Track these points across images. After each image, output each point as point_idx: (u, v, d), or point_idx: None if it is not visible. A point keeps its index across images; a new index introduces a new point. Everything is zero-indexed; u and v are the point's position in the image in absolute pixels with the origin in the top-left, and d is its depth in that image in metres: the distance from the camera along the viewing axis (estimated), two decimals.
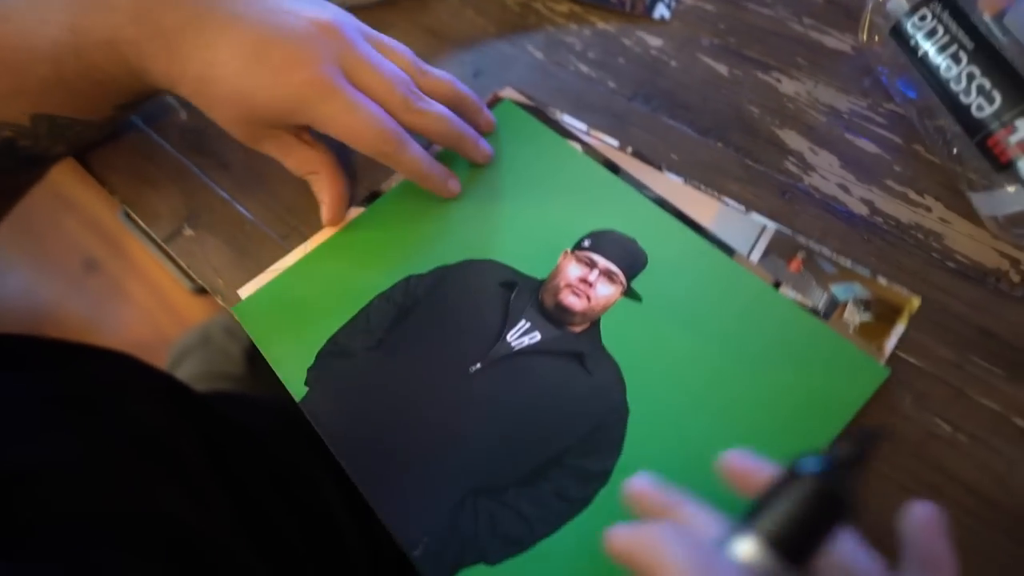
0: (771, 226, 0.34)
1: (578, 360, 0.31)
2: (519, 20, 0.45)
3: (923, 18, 0.33)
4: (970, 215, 0.34)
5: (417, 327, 0.33)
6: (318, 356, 0.33)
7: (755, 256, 0.34)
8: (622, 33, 0.43)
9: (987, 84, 0.30)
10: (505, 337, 0.32)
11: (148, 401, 0.41)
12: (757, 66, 0.41)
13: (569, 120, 0.40)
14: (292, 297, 0.35)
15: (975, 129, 0.31)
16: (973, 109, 0.31)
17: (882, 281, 0.32)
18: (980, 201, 0.33)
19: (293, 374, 0.32)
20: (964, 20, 0.32)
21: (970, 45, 0.31)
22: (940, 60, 0.32)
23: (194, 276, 0.37)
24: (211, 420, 0.44)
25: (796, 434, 0.28)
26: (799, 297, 0.32)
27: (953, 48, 0.32)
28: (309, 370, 0.32)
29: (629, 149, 0.38)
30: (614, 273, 0.33)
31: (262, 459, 0.45)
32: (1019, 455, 0.27)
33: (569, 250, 0.35)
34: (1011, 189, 0.30)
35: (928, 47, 0.33)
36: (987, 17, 0.31)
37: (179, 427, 0.41)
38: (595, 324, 0.32)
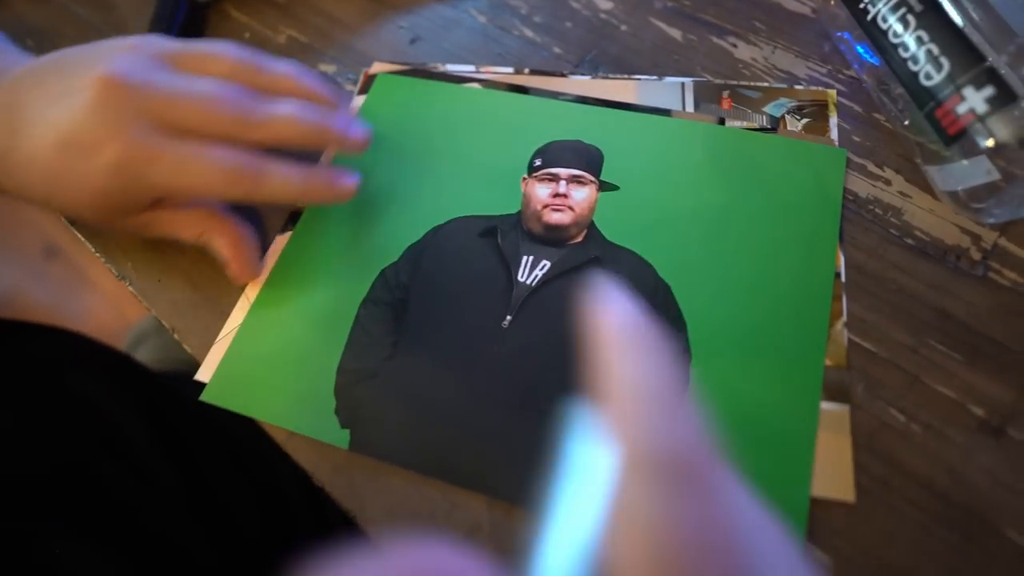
0: (688, 81, 0.36)
1: (597, 264, 0.30)
2: None
3: None
4: (931, 188, 0.31)
5: (424, 312, 0.30)
6: (336, 394, 0.29)
7: (689, 109, 0.35)
8: None
9: (935, 49, 0.28)
10: (518, 279, 0.30)
11: (91, 375, 0.40)
12: (712, 30, 0.38)
13: (454, 68, 0.38)
14: (262, 353, 0.30)
15: (924, 99, 0.28)
16: (921, 77, 0.28)
17: (799, 87, 0.35)
18: (937, 175, 0.30)
19: (321, 427, 0.28)
20: None
21: (919, 7, 0.29)
22: (890, 23, 0.30)
23: (103, 259, 0.34)
24: (162, 397, 0.42)
25: (804, 231, 0.30)
26: (746, 124, 0.34)
27: (902, 10, 0.29)
28: (336, 413, 0.28)
29: (526, 70, 0.37)
30: (579, 175, 0.33)
31: (215, 436, 0.43)
32: (975, 446, 0.25)
33: (526, 176, 0.34)
34: (966, 162, 0.28)
35: (879, 9, 0.30)
36: None
37: (124, 401, 0.39)
38: (592, 227, 0.32)
